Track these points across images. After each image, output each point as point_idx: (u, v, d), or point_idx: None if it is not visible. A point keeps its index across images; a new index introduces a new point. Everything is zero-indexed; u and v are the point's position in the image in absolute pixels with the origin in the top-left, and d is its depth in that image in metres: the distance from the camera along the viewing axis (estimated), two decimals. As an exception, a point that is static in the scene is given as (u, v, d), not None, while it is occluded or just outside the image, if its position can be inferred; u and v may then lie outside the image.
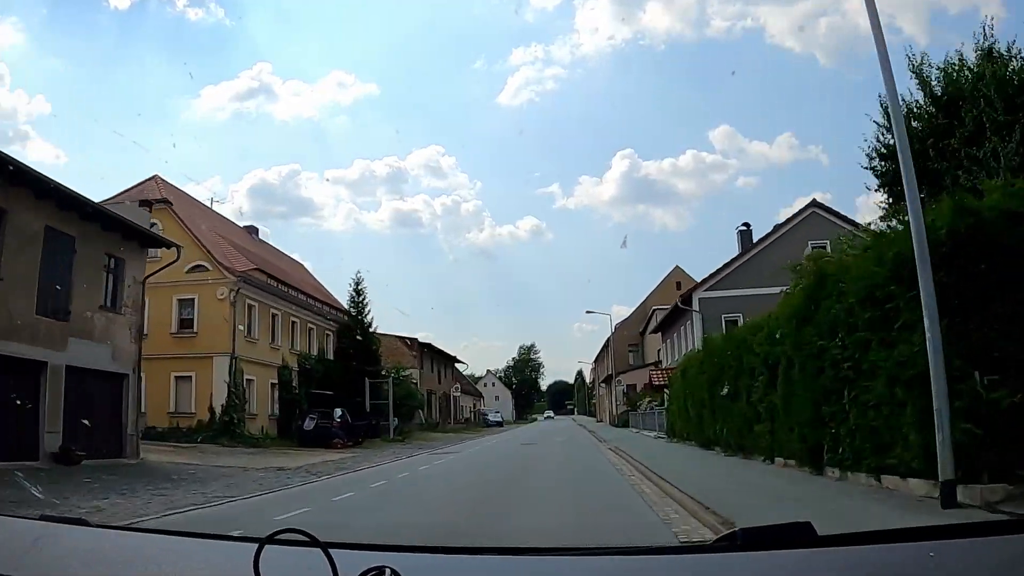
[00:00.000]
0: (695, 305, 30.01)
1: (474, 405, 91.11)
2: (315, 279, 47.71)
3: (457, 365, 74.35)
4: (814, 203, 31.69)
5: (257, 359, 30.27)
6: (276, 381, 31.78)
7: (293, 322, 34.34)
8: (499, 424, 79.90)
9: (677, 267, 61.23)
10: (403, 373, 44.44)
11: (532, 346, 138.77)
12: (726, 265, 31.53)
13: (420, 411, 52.69)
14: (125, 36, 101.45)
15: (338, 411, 29.54)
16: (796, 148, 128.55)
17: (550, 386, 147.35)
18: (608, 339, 61.80)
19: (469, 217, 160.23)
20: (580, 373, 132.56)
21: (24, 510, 7.04)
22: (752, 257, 31.24)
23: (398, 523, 8.41)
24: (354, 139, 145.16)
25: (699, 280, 33.55)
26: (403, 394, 41.84)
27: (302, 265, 48.54)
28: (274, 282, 33.64)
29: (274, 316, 32.33)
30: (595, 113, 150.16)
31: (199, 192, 69.61)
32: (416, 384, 53.38)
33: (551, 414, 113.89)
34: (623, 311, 60.55)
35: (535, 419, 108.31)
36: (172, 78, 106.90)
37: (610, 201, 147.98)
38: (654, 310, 52.28)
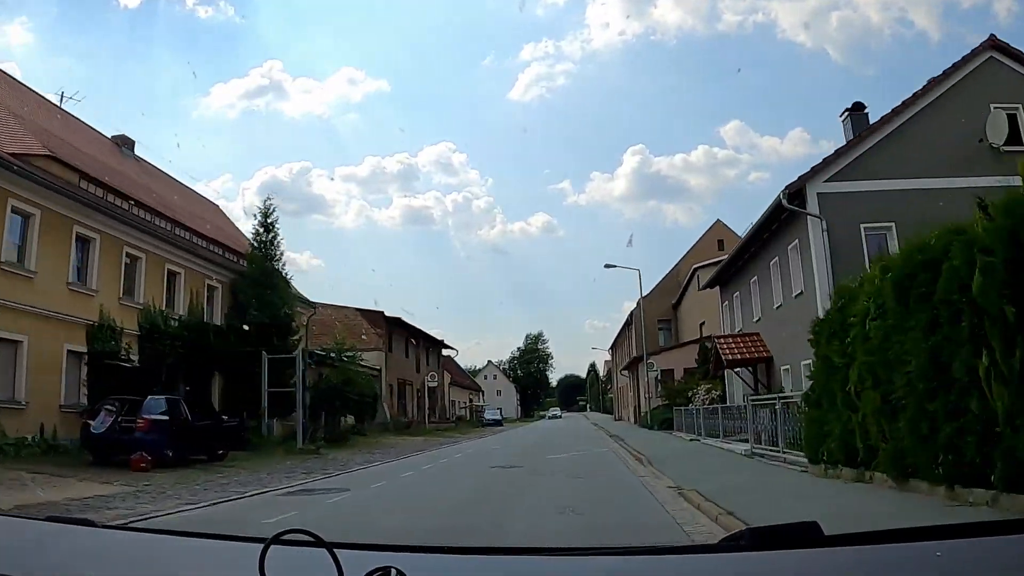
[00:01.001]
0: (811, 205, 16.49)
1: (471, 400, 78.57)
2: (234, 227, 34.37)
3: (446, 352, 61.63)
4: (992, 42, 18.16)
5: (34, 307, 17.23)
6: (85, 350, 18.65)
7: (135, 258, 21.18)
8: (498, 423, 67.61)
9: (719, 221, 48.01)
10: (347, 353, 31.13)
11: (540, 335, 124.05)
12: (846, 148, 18.02)
13: (384, 406, 39.80)
14: (135, 35, 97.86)
15: (158, 401, 16.27)
16: (808, 143, 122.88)
17: (560, 380, 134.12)
18: (631, 314, 48.25)
19: (480, 214, 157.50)
20: (593, 365, 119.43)
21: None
22: (894, 132, 17.84)
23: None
24: (365, 136, 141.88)
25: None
26: (338, 380, 28.61)
27: (216, 206, 35.38)
28: (98, 188, 20.51)
29: (86, 241, 19.21)
30: (606, 109, 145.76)
31: (207, 191, 61.40)
32: (379, 371, 40.64)
33: (557, 412, 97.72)
34: (631, 307, 47.35)
35: (543, 416, 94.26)
36: (182, 76, 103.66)
37: (621, 197, 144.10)
38: (695, 269, 38.91)
